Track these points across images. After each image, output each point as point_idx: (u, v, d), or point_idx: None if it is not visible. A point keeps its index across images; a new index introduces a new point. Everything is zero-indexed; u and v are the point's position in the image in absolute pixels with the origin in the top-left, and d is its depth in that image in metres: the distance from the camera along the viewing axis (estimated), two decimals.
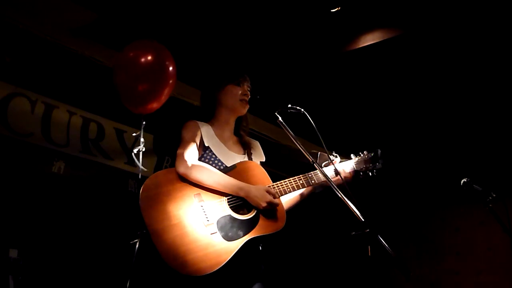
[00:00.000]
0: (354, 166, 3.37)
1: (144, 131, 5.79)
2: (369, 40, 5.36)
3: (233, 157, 3.26)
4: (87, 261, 5.01)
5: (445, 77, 6.05)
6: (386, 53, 5.54)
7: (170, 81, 3.82)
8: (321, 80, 6.28)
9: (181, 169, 2.97)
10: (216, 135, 3.30)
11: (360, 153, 3.46)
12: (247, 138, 3.47)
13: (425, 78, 6.10)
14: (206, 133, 3.25)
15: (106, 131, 5.60)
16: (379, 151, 3.42)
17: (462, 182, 4.08)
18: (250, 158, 3.34)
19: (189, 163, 2.98)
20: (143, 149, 3.78)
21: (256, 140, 3.55)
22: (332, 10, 4.98)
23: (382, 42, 5.31)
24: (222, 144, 3.28)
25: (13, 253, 4.49)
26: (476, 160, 7.26)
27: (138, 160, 3.69)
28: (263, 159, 3.45)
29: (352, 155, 3.47)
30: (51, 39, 5.02)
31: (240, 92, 3.33)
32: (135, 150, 3.60)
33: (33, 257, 4.63)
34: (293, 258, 7.42)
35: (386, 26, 5.28)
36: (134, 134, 3.83)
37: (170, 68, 3.77)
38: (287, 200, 3.31)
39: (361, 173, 3.36)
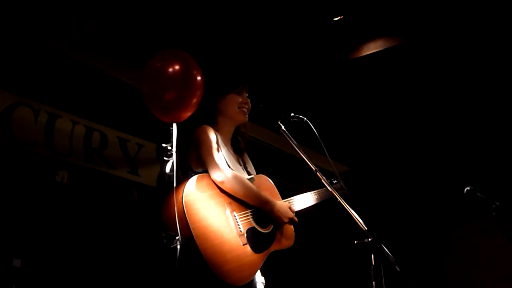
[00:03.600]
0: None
1: (146, 140, 5.84)
2: (372, 48, 5.38)
3: (237, 167, 3.26)
4: (91, 271, 4.99)
5: (447, 84, 6.05)
6: (389, 61, 5.55)
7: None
8: (324, 88, 6.29)
9: (219, 178, 2.97)
10: (224, 145, 3.30)
11: (333, 180, 3.53)
12: (243, 147, 3.47)
13: (428, 86, 6.11)
14: (219, 140, 3.26)
15: (110, 140, 5.60)
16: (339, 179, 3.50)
17: (465, 190, 4.06)
18: (245, 168, 3.35)
19: (226, 172, 2.99)
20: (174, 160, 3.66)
21: (259, 148, 3.55)
22: (334, 19, 4.99)
23: (385, 50, 5.33)
24: (230, 155, 3.28)
25: (17, 263, 4.49)
26: (479, 169, 7.24)
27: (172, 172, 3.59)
28: (254, 173, 3.45)
29: (334, 180, 3.54)
30: (54, 49, 5.04)
31: (240, 100, 3.33)
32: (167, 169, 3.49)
33: (37, 267, 4.63)
34: (296, 266, 7.40)
35: (389, 35, 5.30)
36: (164, 145, 3.70)
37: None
38: None
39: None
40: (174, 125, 3.30)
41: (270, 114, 3.16)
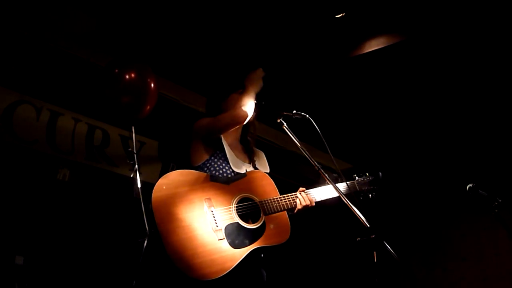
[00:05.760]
0: (357, 186, 3.44)
1: (148, 138, 5.85)
2: (374, 45, 5.36)
3: (240, 164, 3.26)
4: (92, 268, 5.01)
5: (449, 82, 6.04)
6: (391, 58, 5.54)
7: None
8: (326, 85, 6.28)
9: (202, 125, 3.22)
10: (225, 142, 3.30)
11: (362, 174, 3.51)
12: (253, 147, 3.48)
13: (430, 83, 6.10)
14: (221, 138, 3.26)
15: (111, 138, 5.60)
16: (380, 174, 3.47)
17: (467, 187, 4.05)
18: (255, 167, 3.34)
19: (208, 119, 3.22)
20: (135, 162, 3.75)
21: (261, 145, 3.56)
22: (336, 16, 4.99)
23: (387, 48, 5.32)
24: (230, 150, 3.28)
25: (19, 260, 4.50)
26: (482, 166, 7.23)
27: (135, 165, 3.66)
28: (268, 170, 3.45)
29: (355, 176, 3.52)
30: (56, 47, 5.03)
31: None
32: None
33: (39, 264, 4.64)
34: (298, 263, 7.41)
35: (391, 32, 5.29)
36: (129, 149, 3.81)
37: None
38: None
39: (362, 194, 3.41)
40: (133, 129, 3.40)
41: (272, 112, 3.16)
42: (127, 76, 3.45)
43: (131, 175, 3.65)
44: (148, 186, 5.68)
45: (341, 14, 4.98)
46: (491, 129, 6.91)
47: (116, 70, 3.47)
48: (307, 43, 5.43)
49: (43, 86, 5.06)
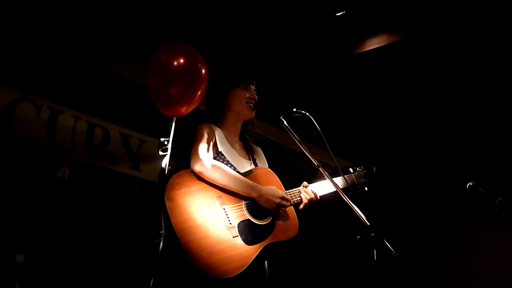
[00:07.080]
0: (354, 179, 3.52)
1: (149, 136, 5.84)
2: (374, 43, 5.37)
3: (242, 162, 3.27)
4: (92, 265, 5.00)
5: (450, 80, 6.04)
6: (392, 56, 5.54)
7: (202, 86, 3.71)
8: (327, 83, 6.28)
9: (197, 168, 2.98)
10: (226, 139, 3.30)
11: (357, 167, 3.54)
12: (251, 143, 3.49)
13: (430, 81, 6.10)
14: (219, 137, 3.27)
15: (111, 136, 5.60)
16: (374, 168, 3.49)
17: (467, 185, 4.05)
18: (255, 164, 3.35)
19: (205, 162, 2.99)
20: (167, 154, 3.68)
21: (261, 143, 3.56)
22: (337, 14, 4.98)
23: (388, 46, 5.31)
24: (232, 149, 3.29)
25: (20, 258, 4.50)
26: (482, 164, 7.23)
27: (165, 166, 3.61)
28: (266, 166, 3.46)
29: (350, 169, 3.58)
30: (57, 44, 5.03)
31: (247, 95, 3.34)
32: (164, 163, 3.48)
33: (39, 262, 4.64)
34: (298, 262, 7.40)
35: (392, 30, 5.29)
36: (162, 139, 3.73)
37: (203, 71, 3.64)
38: None
39: (358, 187, 3.44)
40: (174, 120, 3.32)
41: (272, 109, 3.17)
42: (175, 63, 3.33)
43: (162, 160, 3.55)
44: (149, 184, 5.74)
45: (341, 12, 4.98)
46: (492, 127, 6.91)
47: (163, 58, 3.36)
48: (308, 41, 5.43)
49: (43, 84, 5.05)
